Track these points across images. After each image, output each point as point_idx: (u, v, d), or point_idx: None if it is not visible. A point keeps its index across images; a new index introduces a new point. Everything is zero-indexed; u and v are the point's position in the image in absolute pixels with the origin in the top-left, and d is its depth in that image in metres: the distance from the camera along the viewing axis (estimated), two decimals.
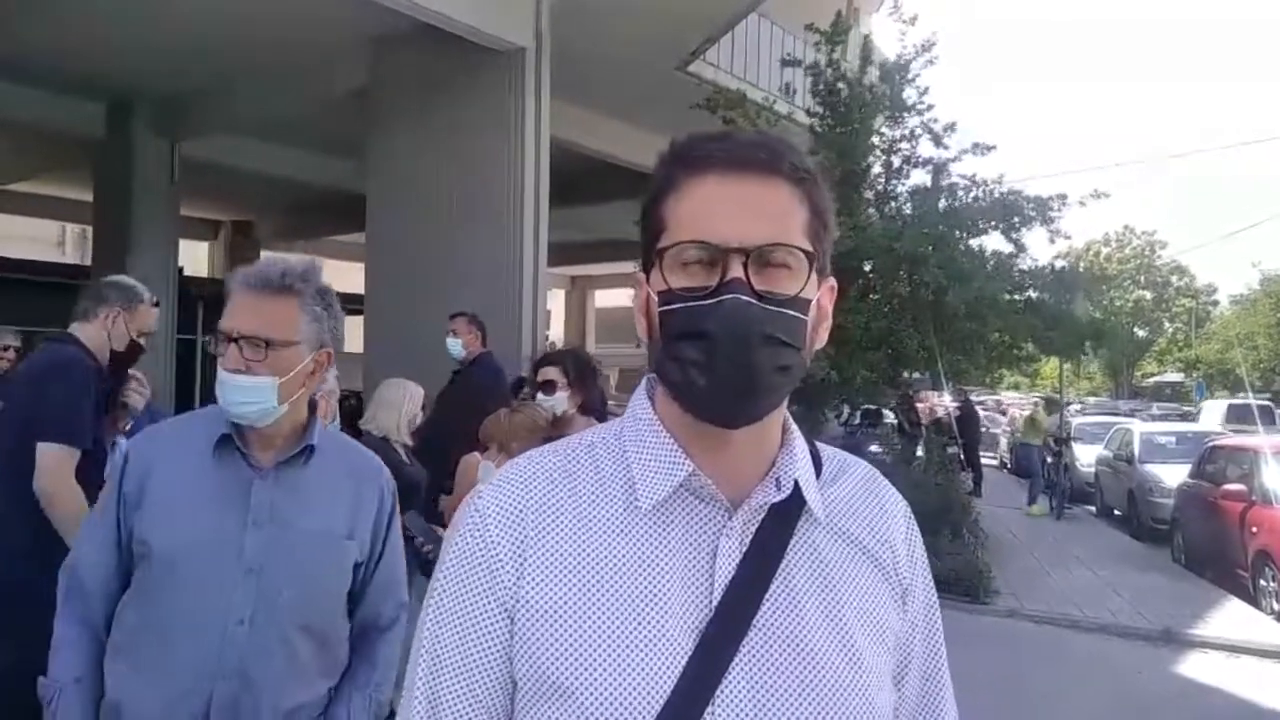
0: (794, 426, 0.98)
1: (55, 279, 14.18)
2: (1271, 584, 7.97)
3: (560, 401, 3.28)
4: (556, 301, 31.29)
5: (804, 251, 0.89)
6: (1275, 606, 7.86)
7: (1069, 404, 22.09)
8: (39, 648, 1.78)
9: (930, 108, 10.01)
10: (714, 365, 0.86)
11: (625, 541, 0.90)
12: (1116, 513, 13.84)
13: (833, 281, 0.97)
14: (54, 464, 2.58)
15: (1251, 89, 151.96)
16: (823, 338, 0.95)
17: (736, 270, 0.86)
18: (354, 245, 16.22)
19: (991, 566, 8.47)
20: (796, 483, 0.94)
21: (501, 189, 9.51)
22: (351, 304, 17.27)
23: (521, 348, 9.03)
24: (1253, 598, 8.19)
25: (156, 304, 3.05)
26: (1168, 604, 8.01)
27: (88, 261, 15.15)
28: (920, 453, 11.57)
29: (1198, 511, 9.98)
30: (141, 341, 2.98)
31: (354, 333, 14.65)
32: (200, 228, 21.29)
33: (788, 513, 0.94)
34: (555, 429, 2.79)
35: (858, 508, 1.01)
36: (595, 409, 3.37)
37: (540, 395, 3.39)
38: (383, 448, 4.48)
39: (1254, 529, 8.41)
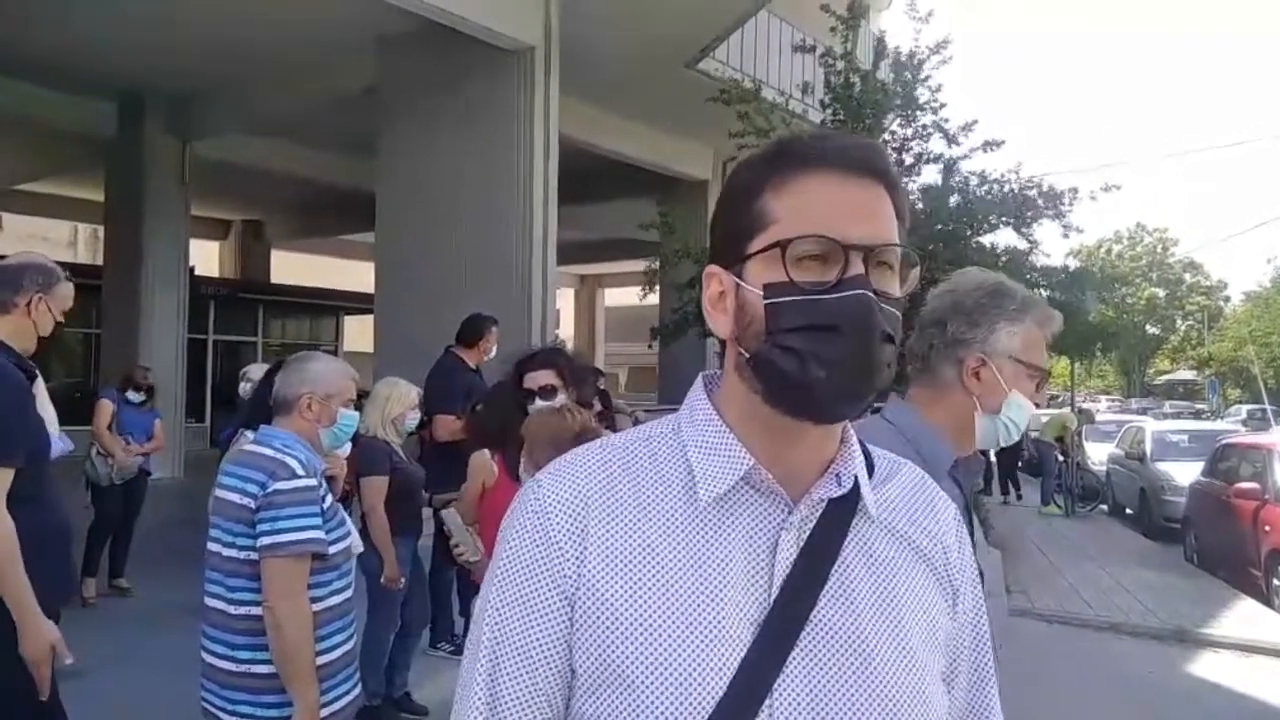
0: (849, 424, 0.99)
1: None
2: None
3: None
4: (566, 300, 31.30)
5: (906, 254, 0.92)
6: None
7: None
8: None
9: (943, 106, 9.97)
10: (838, 359, 0.87)
11: (686, 534, 0.91)
12: (1129, 511, 13.79)
13: None
14: None
15: (1265, 84, 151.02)
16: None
17: (859, 267, 0.88)
18: (363, 244, 16.28)
19: (1002, 564, 8.45)
20: (855, 480, 0.95)
21: (511, 187, 9.52)
22: (361, 303, 17.40)
23: (531, 346, 9.04)
24: (1266, 597, 8.13)
25: (69, 277, 2.75)
26: (1180, 603, 7.97)
27: (100, 261, 15.22)
28: None
29: (1210, 510, 9.92)
30: (62, 320, 2.71)
31: (364, 332, 14.71)
32: (211, 227, 21.39)
33: (843, 510, 0.94)
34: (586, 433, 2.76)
35: (910, 508, 1.01)
36: (588, 404, 3.34)
37: (539, 400, 3.33)
38: (382, 448, 4.48)
39: (1267, 528, 8.36)
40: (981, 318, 1.66)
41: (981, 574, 1.09)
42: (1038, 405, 1.71)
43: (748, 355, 0.92)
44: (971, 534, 1.66)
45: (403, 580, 4.46)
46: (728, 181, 0.98)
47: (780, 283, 0.89)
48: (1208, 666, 6.48)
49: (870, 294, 0.87)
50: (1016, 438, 1.71)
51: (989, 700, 1.06)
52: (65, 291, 2.72)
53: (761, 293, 0.90)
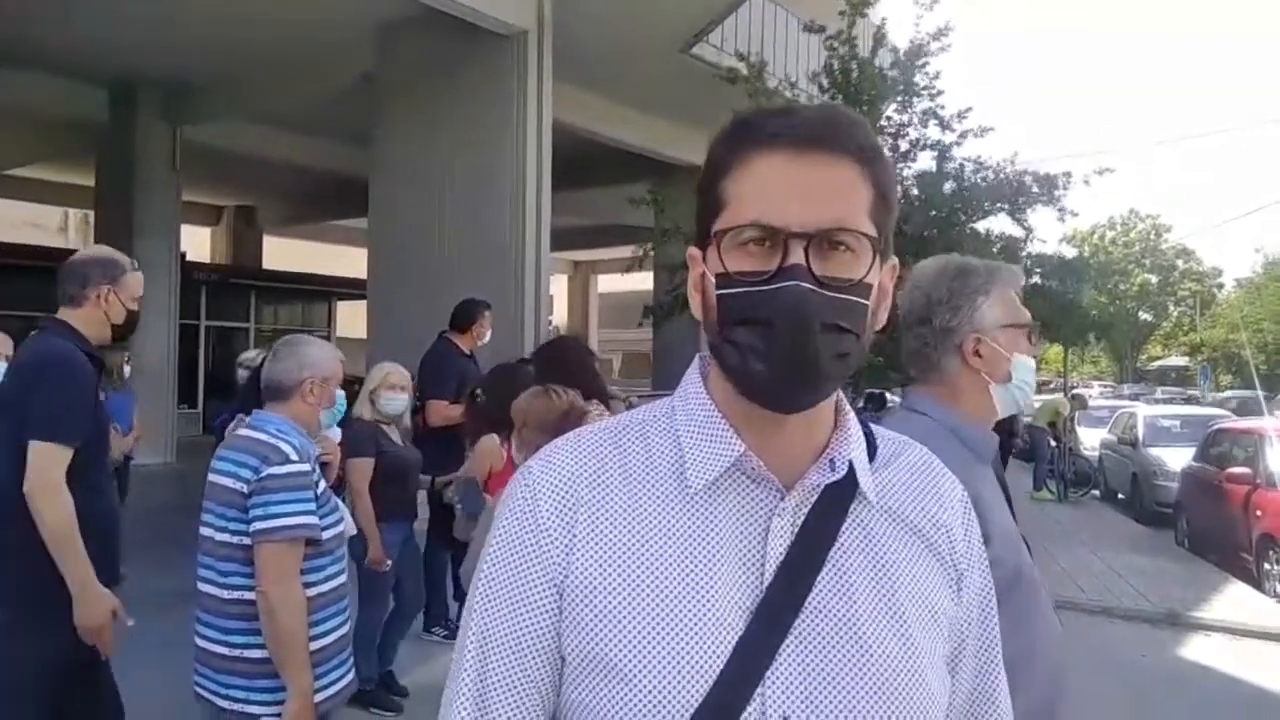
0: (848, 408, 0.96)
1: (58, 264, 14.19)
2: (1275, 567, 7.96)
3: None
4: (559, 286, 31.27)
5: (867, 236, 0.86)
6: (1279, 589, 7.86)
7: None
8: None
9: (940, 93, 9.93)
10: (772, 353, 0.84)
11: (675, 520, 0.90)
12: (1121, 496, 13.85)
13: (894, 261, 0.94)
14: (41, 463, 2.49)
15: (1255, 73, 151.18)
16: (883, 318, 0.93)
17: (797, 255, 0.83)
18: (357, 230, 16.22)
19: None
20: (851, 465, 0.93)
21: (504, 173, 9.48)
22: (354, 288, 17.37)
23: (524, 332, 9.04)
24: (1256, 581, 8.19)
25: (137, 267, 2.89)
26: (1171, 587, 8.01)
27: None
28: None
29: (1202, 495, 9.96)
30: (135, 308, 2.87)
31: (356, 317, 14.65)
32: (203, 213, 21.29)
33: (841, 494, 0.92)
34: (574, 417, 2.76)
35: (913, 491, 0.99)
36: (593, 394, 3.33)
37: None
38: (368, 430, 4.47)
39: (1258, 512, 8.40)
40: (960, 301, 1.71)
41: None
42: (1034, 356, 1.78)
43: (710, 343, 0.91)
44: (1012, 509, 1.68)
45: (388, 563, 4.45)
46: (706, 157, 0.94)
47: (723, 273, 0.87)
48: (1199, 650, 6.53)
49: (803, 285, 0.83)
50: (1032, 395, 1.80)
51: (995, 683, 1.04)
52: (134, 281, 2.86)
53: (714, 281, 0.88)
